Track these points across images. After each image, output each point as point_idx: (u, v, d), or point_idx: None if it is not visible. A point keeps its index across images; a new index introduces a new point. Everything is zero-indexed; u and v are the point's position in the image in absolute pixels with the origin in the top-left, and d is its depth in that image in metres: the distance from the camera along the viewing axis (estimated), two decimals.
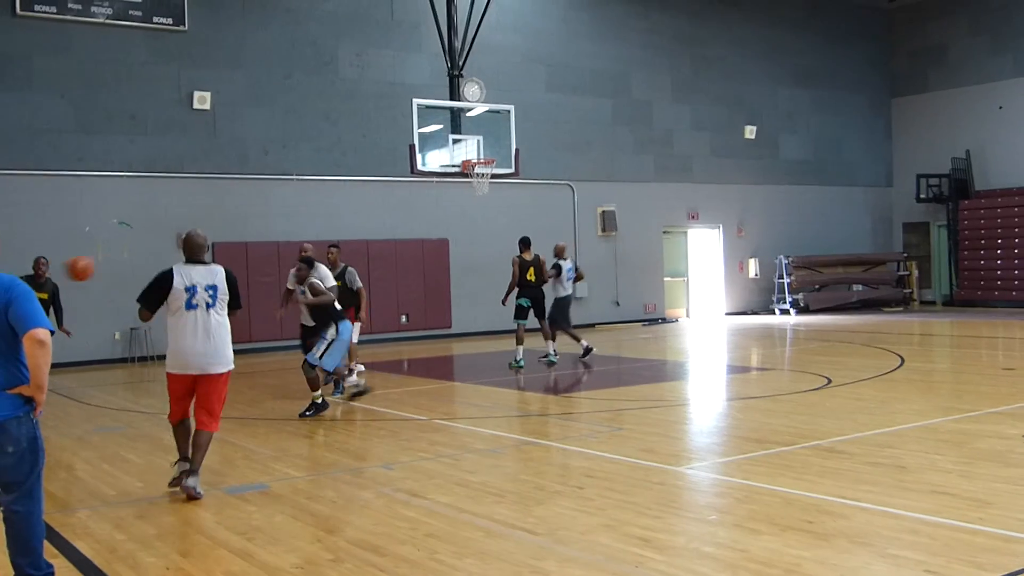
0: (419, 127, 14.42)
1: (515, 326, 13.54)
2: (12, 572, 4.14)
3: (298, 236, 16.24)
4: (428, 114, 14.89)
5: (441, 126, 15.02)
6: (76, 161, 15.66)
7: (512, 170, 15.17)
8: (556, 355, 13.71)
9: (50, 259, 12.17)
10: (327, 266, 11.69)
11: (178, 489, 6.36)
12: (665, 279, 22.30)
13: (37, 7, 15.21)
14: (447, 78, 15.84)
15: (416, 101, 14.61)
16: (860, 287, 24.25)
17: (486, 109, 15.36)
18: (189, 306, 6.30)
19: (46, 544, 4.39)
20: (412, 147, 14.34)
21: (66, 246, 14.87)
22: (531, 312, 13.40)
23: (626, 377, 12.88)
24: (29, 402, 3.94)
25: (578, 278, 14.49)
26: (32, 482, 4.01)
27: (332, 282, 10.19)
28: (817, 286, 23.40)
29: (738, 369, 13.60)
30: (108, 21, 15.81)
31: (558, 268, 13.73)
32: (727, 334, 18.71)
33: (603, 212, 21.03)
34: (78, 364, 15.06)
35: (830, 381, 10.94)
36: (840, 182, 25.01)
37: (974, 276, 23.51)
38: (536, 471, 6.98)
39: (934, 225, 25.16)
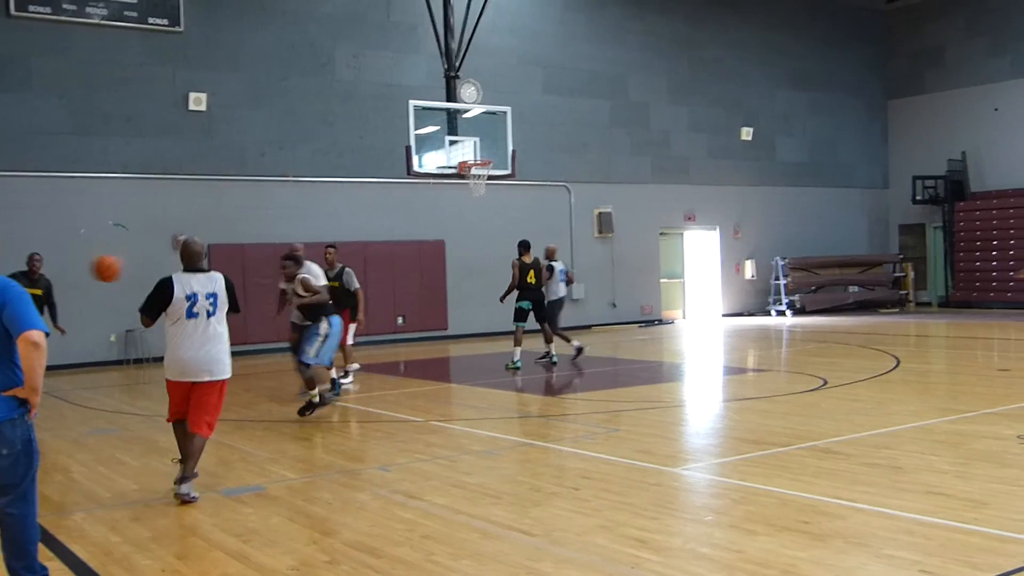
0: (416, 129, 14.41)
1: (514, 328, 13.57)
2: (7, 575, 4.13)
3: (295, 238, 16.15)
4: (425, 115, 14.89)
5: (438, 128, 15.02)
6: (72, 162, 15.64)
7: (509, 172, 15.18)
8: (556, 356, 13.75)
9: (45, 257, 12.09)
10: (324, 266, 11.70)
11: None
12: (662, 280, 22.31)
13: (32, 8, 15.19)
14: (444, 80, 15.84)
15: (412, 103, 14.60)
16: (856, 288, 24.29)
17: (483, 111, 15.37)
18: (190, 314, 6.33)
19: (41, 547, 4.38)
20: (408, 149, 14.34)
21: (62, 247, 14.84)
22: (531, 315, 13.45)
23: (623, 378, 12.88)
24: (23, 404, 3.93)
25: (568, 281, 14.56)
26: (27, 485, 4.00)
27: (323, 280, 10.11)
28: (813, 287, 23.43)
29: (734, 370, 13.61)
30: (103, 22, 15.79)
31: (551, 269, 13.83)
32: (723, 335, 18.72)
33: (600, 213, 21.04)
34: (73, 366, 15.04)
35: (826, 382, 10.95)
36: (837, 184, 25.05)
37: (970, 277, 23.56)
38: (532, 472, 6.97)
39: (930, 227, 25.20)
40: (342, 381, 11.53)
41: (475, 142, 14.86)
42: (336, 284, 11.57)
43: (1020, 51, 23.07)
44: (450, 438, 8.48)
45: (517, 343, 13.43)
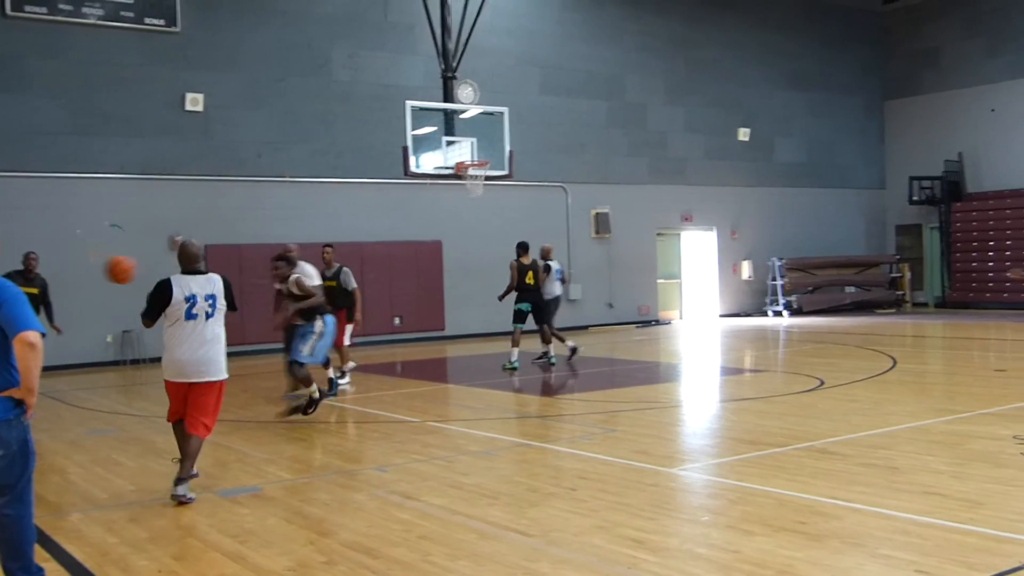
0: (413, 129, 14.40)
1: (512, 329, 13.58)
2: None
3: (292, 238, 16.11)
4: (422, 116, 14.87)
5: (435, 128, 15.01)
6: (69, 163, 15.62)
7: (506, 172, 15.18)
8: (555, 358, 13.77)
9: (41, 257, 12.06)
10: (322, 266, 11.68)
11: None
12: (659, 281, 22.32)
13: (27, 8, 15.16)
14: (441, 80, 15.84)
15: (409, 103, 14.60)
16: (853, 289, 24.31)
17: (480, 111, 15.37)
18: (189, 316, 6.38)
19: (37, 548, 4.38)
20: (405, 149, 14.33)
21: (59, 248, 14.82)
22: (530, 316, 13.48)
23: (620, 379, 12.88)
24: (19, 405, 3.92)
25: (562, 281, 14.59)
26: (23, 486, 4.00)
27: (317, 280, 10.04)
28: (810, 288, 23.45)
29: (731, 371, 13.62)
30: (99, 22, 15.77)
31: (548, 269, 13.85)
32: (720, 336, 18.74)
33: (597, 214, 21.05)
34: (70, 367, 15.01)
35: (823, 383, 10.96)
36: (834, 184, 25.07)
37: (966, 278, 23.59)
38: (530, 473, 6.97)
39: (927, 227, 25.23)
40: (340, 381, 11.52)
41: (472, 143, 14.86)
42: (333, 283, 11.54)
43: (1017, 52, 23.10)
44: (447, 439, 8.48)
45: (515, 344, 13.43)
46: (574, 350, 14.04)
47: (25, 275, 11.04)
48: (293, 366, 9.39)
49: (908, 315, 22.51)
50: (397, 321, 18.57)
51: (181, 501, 6.17)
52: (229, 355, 6.69)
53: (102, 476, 7.24)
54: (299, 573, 4.73)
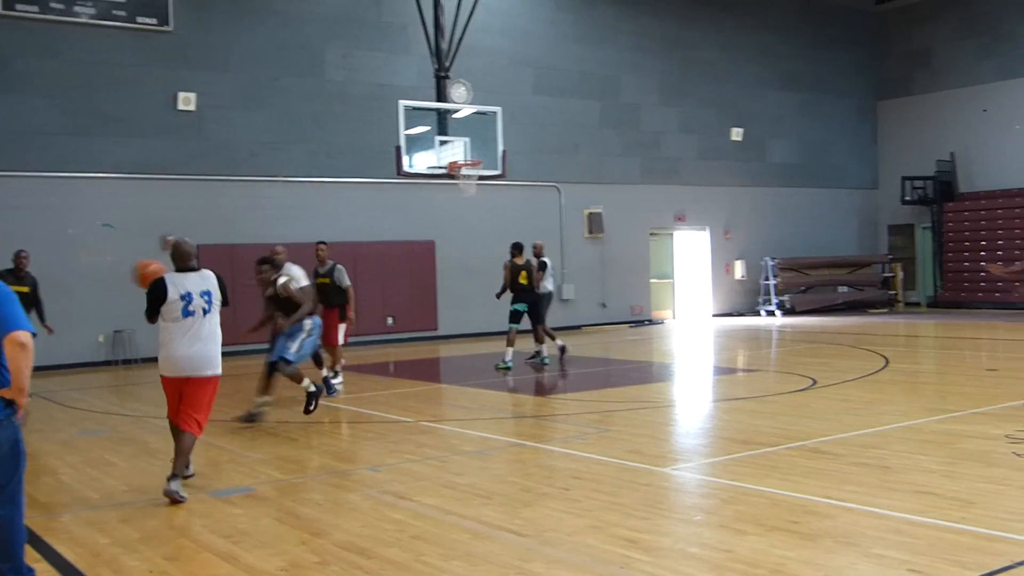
0: (406, 129, 14.40)
1: (507, 328, 13.59)
2: None
3: (285, 238, 16.11)
4: (415, 116, 14.87)
5: (428, 128, 15.01)
6: (63, 163, 15.55)
7: (499, 172, 15.18)
8: (548, 358, 13.77)
9: (35, 257, 12.00)
10: (316, 264, 11.65)
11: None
12: (652, 281, 22.34)
13: (18, 6, 15.09)
14: (434, 80, 15.82)
15: (402, 103, 14.59)
16: (845, 289, 24.37)
17: (473, 111, 15.36)
18: (186, 313, 6.42)
19: (28, 549, 4.36)
20: (398, 149, 14.32)
21: (52, 248, 14.77)
22: (525, 316, 13.50)
23: (613, 379, 12.89)
24: (10, 405, 3.91)
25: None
26: (13, 486, 3.98)
27: (305, 282, 9.95)
28: (803, 288, 23.50)
29: (724, 370, 13.63)
30: (91, 21, 15.71)
31: (544, 265, 13.86)
32: (713, 336, 18.76)
33: (590, 214, 21.05)
34: (62, 367, 14.96)
35: (815, 382, 10.98)
36: (826, 185, 25.13)
37: (958, 278, 23.67)
38: (523, 473, 6.97)
39: (919, 227, 25.31)
40: (333, 381, 11.50)
41: (465, 142, 14.86)
42: (327, 281, 11.51)
43: (1009, 53, 23.19)
44: (440, 439, 8.47)
45: (510, 344, 13.44)
46: (563, 349, 14.09)
47: (16, 274, 10.99)
48: (280, 363, 9.25)
49: (900, 315, 22.58)
50: (390, 321, 18.54)
51: (173, 498, 6.15)
52: (222, 355, 6.68)
53: (94, 477, 7.22)
54: (292, 573, 4.72)
